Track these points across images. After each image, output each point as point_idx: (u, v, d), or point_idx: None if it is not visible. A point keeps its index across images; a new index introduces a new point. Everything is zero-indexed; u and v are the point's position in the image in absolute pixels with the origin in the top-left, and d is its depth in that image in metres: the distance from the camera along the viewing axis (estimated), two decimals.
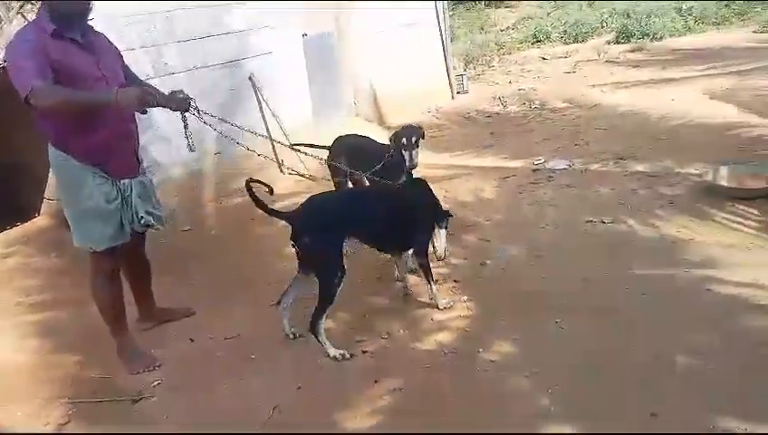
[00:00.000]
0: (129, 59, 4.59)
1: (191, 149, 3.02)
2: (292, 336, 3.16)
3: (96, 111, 2.71)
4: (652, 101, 6.99)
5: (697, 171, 4.65)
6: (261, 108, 5.75)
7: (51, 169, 2.95)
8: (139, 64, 4.72)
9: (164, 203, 4.94)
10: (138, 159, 3.06)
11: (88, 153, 2.78)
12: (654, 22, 11.09)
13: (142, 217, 2.97)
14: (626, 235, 3.87)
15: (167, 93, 3.10)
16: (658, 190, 4.47)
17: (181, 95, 3.02)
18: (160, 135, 4.93)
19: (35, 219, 5.21)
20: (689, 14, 11.60)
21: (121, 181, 2.90)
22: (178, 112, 3.01)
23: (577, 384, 2.57)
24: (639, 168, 4.96)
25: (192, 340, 3.28)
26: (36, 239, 4.91)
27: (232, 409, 2.70)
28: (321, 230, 2.95)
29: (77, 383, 3.01)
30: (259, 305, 3.54)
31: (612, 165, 5.13)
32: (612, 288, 3.25)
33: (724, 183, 4.24)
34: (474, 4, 15.66)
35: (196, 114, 3.02)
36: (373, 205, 3.25)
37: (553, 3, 14.93)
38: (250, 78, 5.62)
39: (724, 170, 4.38)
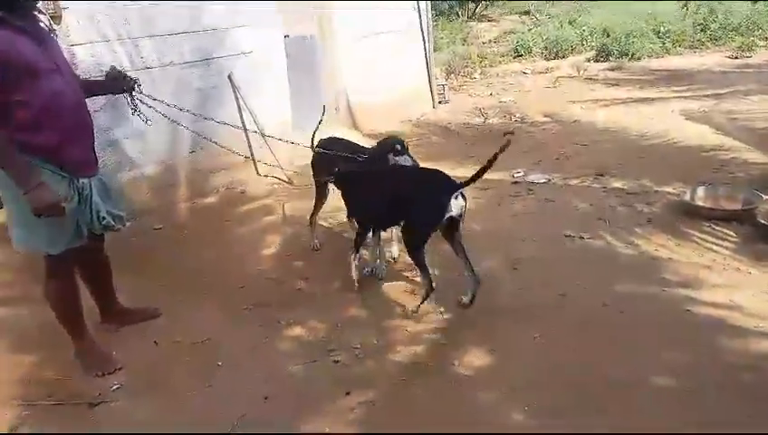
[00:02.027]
0: (104, 51, 4.55)
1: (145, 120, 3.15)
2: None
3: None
4: (631, 119, 7.05)
5: (675, 191, 4.67)
6: (239, 107, 5.63)
7: None
8: (115, 57, 4.59)
9: (136, 201, 4.86)
10: (95, 155, 2.91)
11: (42, 149, 2.58)
12: (633, 42, 11.25)
13: (104, 217, 2.83)
14: (604, 251, 3.85)
15: (106, 75, 3.01)
16: (637, 208, 4.47)
17: (124, 77, 2.95)
18: (135, 131, 4.79)
19: None
20: (667, 37, 11.80)
21: (79, 180, 2.74)
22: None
23: (553, 401, 2.52)
24: (618, 184, 4.97)
25: (156, 343, 3.14)
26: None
27: (194, 417, 2.57)
28: None
29: (32, 385, 2.86)
30: (229, 309, 3.44)
31: (591, 181, 5.13)
32: (590, 304, 3.21)
33: (701, 203, 4.25)
34: (456, 16, 15.73)
35: (144, 96, 2.97)
36: None
37: (534, 19, 15.09)
38: (229, 77, 5.49)
39: (701, 191, 4.41)
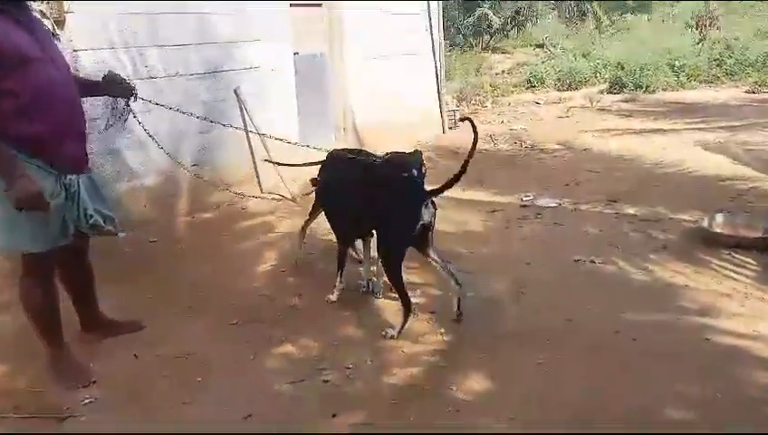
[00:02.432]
0: (108, 58, 4.48)
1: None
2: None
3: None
4: (644, 148, 6.89)
5: (691, 218, 4.46)
6: (244, 123, 5.53)
7: None
8: (119, 65, 4.52)
9: (134, 211, 4.73)
10: (86, 153, 2.78)
11: (29, 141, 2.47)
12: (647, 75, 11.16)
13: (91, 215, 2.69)
14: (616, 276, 3.64)
15: (104, 77, 2.92)
16: (651, 234, 4.27)
17: (122, 82, 2.86)
18: (135, 140, 4.69)
19: None
20: (682, 71, 11.70)
21: (67, 177, 2.61)
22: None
23: (556, 430, 2.29)
24: (631, 211, 4.77)
25: (136, 356, 2.96)
26: None
27: None
28: None
29: (0, 396, 2.68)
30: (217, 324, 3.26)
31: (603, 206, 4.94)
32: (601, 330, 3.00)
33: (719, 230, 4.05)
34: (470, 48, 15.79)
35: (141, 100, 2.87)
36: None
37: (548, 52, 15.08)
38: (235, 91, 5.41)
39: (719, 218, 4.21)
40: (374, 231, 3.31)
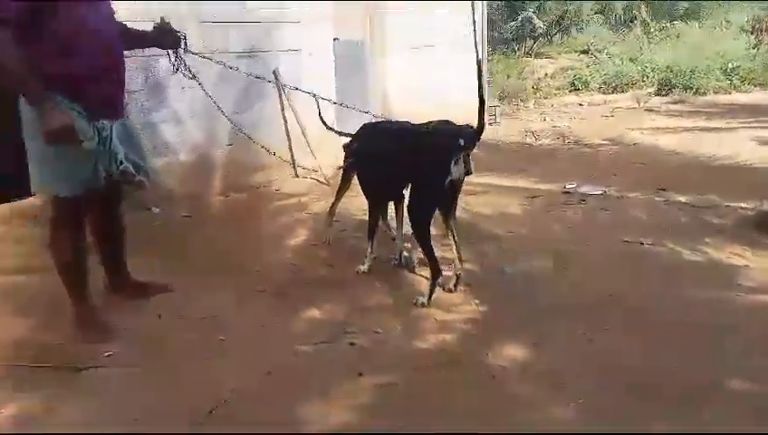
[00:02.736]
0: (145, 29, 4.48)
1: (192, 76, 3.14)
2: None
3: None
4: (696, 144, 6.55)
5: (748, 206, 4.16)
6: (282, 105, 5.48)
7: (21, 104, 2.51)
8: None
9: (168, 187, 4.70)
10: (123, 100, 2.74)
11: (67, 84, 2.44)
12: (697, 77, 10.73)
13: (121, 161, 2.63)
14: (667, 257, 3.40)
15: (155, 26, 2.87)
16: (705, 220, 4.00)
17: (171, 31, 2.81)
18: (172, 115, 4.68)
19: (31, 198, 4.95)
20: (735, 74, 11.21)
21: (100, 121, 2.55)
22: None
23: (605, 399, 2.09)
24: (682, 199, 4.49)
25: (160, 316, 2.87)
26: (27, 213, 4.63)
27: (183, 389, 2.26)
28: None
29: (23, 347, 2.62)
30: (244, 292, 3.14)
31: (652, 194, 4.67)
32: (652, 306, 2.78)
33: None
34: (513, 52, 15.53)
35: (189, 52, 2.79)
36: None
37: (593, 57, 14.71)
38: (274, 72, 5.35)
39: None
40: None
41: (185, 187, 4.77)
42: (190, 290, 3.14)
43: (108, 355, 2.52)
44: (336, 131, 3.94)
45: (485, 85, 8.11)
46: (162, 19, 2.91)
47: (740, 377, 2.17)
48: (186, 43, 2.97)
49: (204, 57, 3.69)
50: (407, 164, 2.95)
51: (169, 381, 2.32)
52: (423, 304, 2.83)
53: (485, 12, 8.19)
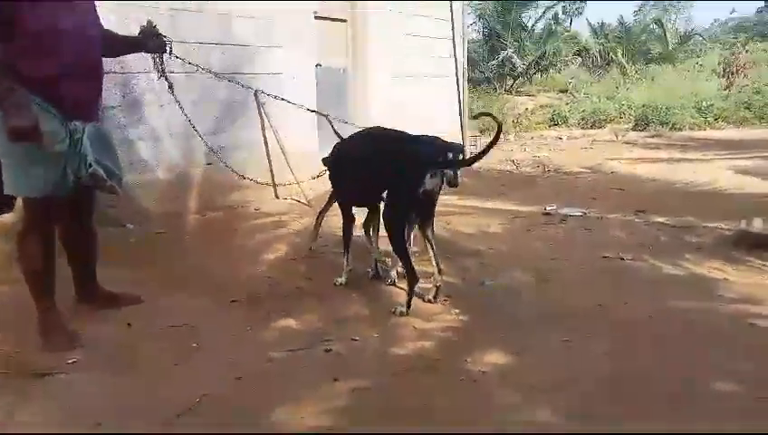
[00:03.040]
0: None
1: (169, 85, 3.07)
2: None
3: None
4: (673, 172, 6.64)
5: (726, 226, 4.19)
6: (263, 127, 5.46)
7: None
8: (139, 57, 4.50)
9: (143, 204, 4.62)
10: (98, 104, 2.69)
11: (41, 83, 2.39)
12: (674, 114, 11.00)
13: (90, 164, 2.56)
14: (648, 271, 3.38)
15: (141, 29, 2.86)
16: (684, 238, 4.01)
17: (158, 35, 2.79)
18: (150, 132, 4.63)
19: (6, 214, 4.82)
20: (709, 112, 11.51)
21: (72, 122, 2.50)
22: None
23: (588, 403, 2.03)
24: (661, 219, 4.51)
25: (129, 324, 2.76)
26: (5, 227, 4.50)
27: (151, 395, 2.15)
28: None
29: None
30: (217, 303, 3.05)
31: (631, 216, 4.69)
32: (633, 314, 2.74)
33: (760, 231, 3.77)
34: (494, 90, 15.82)
35: (176, 57, 2.77)
36: None
37: (572, 97, 15.05)
38: (255, 94, 5.36)
39: (758, 222, 3.93)
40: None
41: (161, 205, 4.68)
42: (162, 301, 3.05)
43: (72, 362, 2.41)
44: None
45: (465, 117, 8.25)
46: (149, 22, 2.88)
47: (724, 380, 2.13)
48: (171, 49, 2.94)
49: (189, 64, 3.69)
50: (381, 172, 2.93)
51: (136, 387, 2.22)
52: (402, 313, 2.77)
53: (465, 42, 8.35)
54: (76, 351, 2.51)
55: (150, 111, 4.61)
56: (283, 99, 4.34)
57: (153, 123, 4.66)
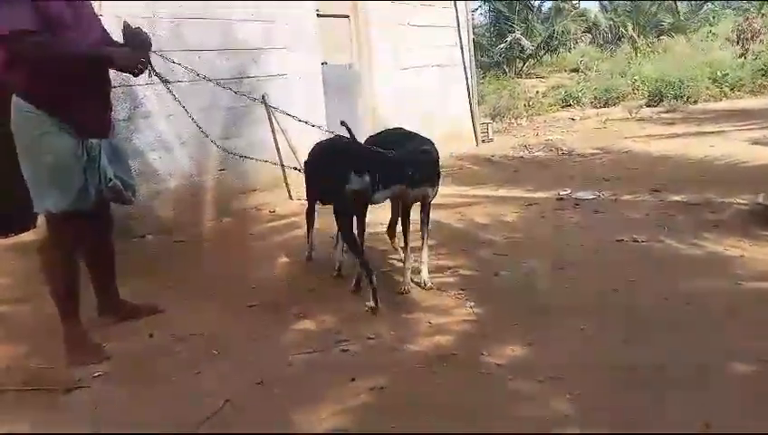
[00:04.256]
0: None
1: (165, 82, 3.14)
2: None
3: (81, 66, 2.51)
4: (689, 147, 6.54)
5: (744, 201, 4.13)
6: (272, 129, 5.50)
7: (12, 125, 2.58)
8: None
9: (158, 215, 4.69)
10: (110, 120, 2.76)
11: (59, 105, 2.49)
12: (688, 86, 10.80)
13: (110, 178, 2.63)
14: (663, 251, 3.36)
15: (124, 29, 2.83)
16: (700, 216, 3.97)
17: (139, 32, 2.76)
18: (162, 143, 4.69)
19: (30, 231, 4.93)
20: (725, 82, 11.29)
21: (89, 140, 2.59)
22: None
23: (605, 391, 2.03)
24: (677, 198, 4.46)
25: (151, 335, 2.82)
26: (23, 246, 4.61)
27: (176, 403, 2.21)
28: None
29: (12, 372, 2.57)
30: (235, 308, 3.10)
31: (646, 195, 4.65)
32: (649, 298, 2.73)
33: None
34: (504, 74, 15.69)
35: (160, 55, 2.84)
36: None
37: (584, 75, 14.85)
38: (263, 97, 5.38)
39: None
40: None
41: (178, 214, 4.75)
42: (182, 310, 3.10)
43: (97, 375, 2.47)
44: None
45: (474, 104, 8.20)
46: (126, 24, 2.87)
47: (741, 360, 2.12)
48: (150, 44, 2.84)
49: (194, 72, 3.74)
50: (326, 174, 3.24)
51: (160, 397, 2.27)
52: (372, 309, 2.84)
53: (470, 29, 8.29)
54: (101, 363, 2.59)
55: (159, 121, 4.67)
56: (292, 115, 4.38)
57: (163, 133, 4.71)
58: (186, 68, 3.87)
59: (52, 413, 2.23)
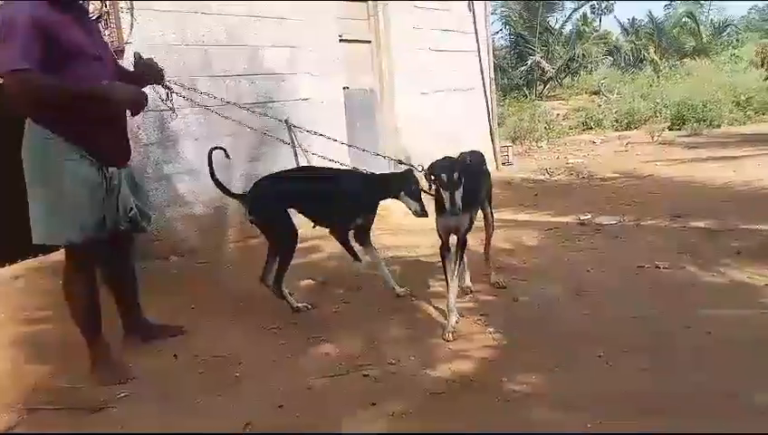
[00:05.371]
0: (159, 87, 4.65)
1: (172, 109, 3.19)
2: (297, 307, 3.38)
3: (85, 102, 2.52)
4: (713, 172, 6.49)
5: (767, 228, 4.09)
6: (295, 154, 5.59)
7: (25, 150, 2.58)
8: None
9: (184, 238, 4.79)
10: (128, 148, 2.81)
11: (78, 133, 2.52)
12: (711, 109, 10.73)
13: (131, 208, 2.70)
14: (685, 278, 3.34)
15: (136, 62, 2.93)
16: (723, 243, 3.93)
17: (152, 63, 2.85)
18: (187, 167, 4.79)
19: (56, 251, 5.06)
20: (749, 106, 11.20)
21: (109, 169, 2.63)
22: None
23: (626, 421, 2.02)
24: (700, 224, 4.43)
25: (176, 356, 2.88)
26: (51, 266, 4.73)
27: (197, 424, 2.25)
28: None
29: (40, 392, 2.64)
30: (257, 330, 3.14)
31: (668, 221, 4.62)
32: (670, 326, 2.71)
33: None
34: (524, 97, 15.75)
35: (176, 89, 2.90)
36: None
37: (605, 98, 14.83)
38: (286, 121, 5.49)
39: None
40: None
41: (202, 236, 4.84)
42: (205, 331, 3.16)
43: (123, 396, 2.53)
44: None
45: (494, 128, 8.23)
46: (138, 55, 2.96)
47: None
48: (163, 75, 3.00)
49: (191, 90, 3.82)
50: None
51: (183, 419, 2.31)
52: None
53: (491, 53, 8.36)
54: (126, 384, 2.64)
55: (185, 146, 4.78)
56: (320, 134, 4.49)
57: (189, 158, 4.82)
58: (208, 95, 3.97)
59: (78, 433, 2.28)
